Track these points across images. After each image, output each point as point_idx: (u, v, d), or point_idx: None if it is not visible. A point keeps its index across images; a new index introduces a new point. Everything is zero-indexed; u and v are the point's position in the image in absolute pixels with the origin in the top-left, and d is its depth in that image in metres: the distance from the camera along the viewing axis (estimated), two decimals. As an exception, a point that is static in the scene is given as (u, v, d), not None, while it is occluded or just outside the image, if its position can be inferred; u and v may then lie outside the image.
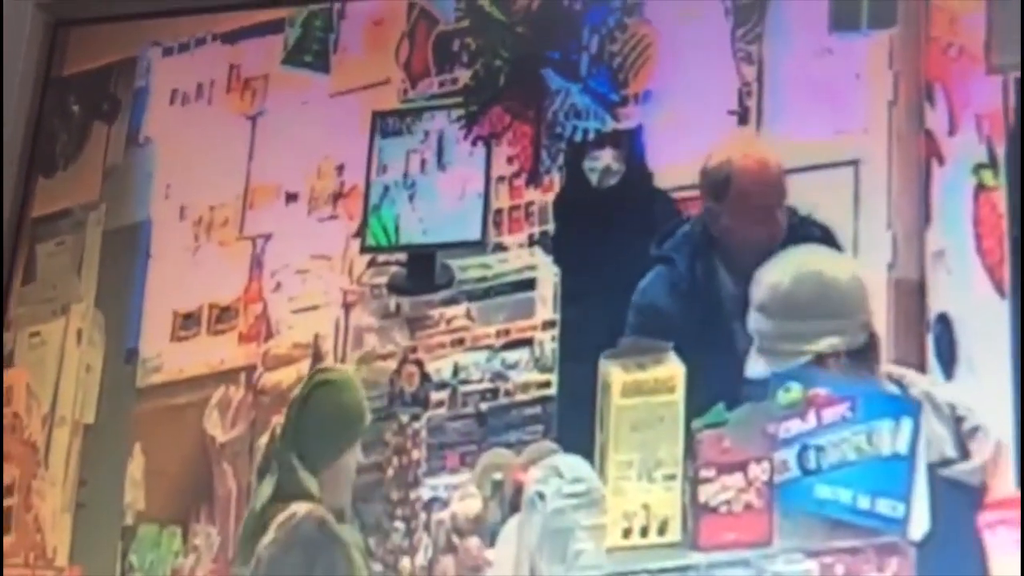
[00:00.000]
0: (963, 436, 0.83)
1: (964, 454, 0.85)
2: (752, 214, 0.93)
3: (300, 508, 0.97)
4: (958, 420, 0.85)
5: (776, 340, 0.88)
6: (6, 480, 1.16)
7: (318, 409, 1.03)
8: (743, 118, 0.99)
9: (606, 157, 0.99)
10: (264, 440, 1.05)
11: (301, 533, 0.97)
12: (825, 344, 0.87)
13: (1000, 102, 0.91)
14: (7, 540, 1.14)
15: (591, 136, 1.02)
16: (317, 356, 1.07)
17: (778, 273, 0.90)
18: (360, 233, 1.09)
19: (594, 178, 0.99)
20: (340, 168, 1.12)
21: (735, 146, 0.95)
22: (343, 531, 0.96)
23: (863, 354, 0.87)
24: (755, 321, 0.90)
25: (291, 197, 1.13)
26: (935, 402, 0.85)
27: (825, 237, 0.91)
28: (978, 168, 0.90)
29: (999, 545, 0.82)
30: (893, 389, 0.85)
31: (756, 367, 0.89)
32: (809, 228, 0.92)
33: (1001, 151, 0.90)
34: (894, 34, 0.95)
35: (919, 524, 0.84)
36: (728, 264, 0.93)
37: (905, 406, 0.86)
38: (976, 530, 0.82)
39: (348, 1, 1.15)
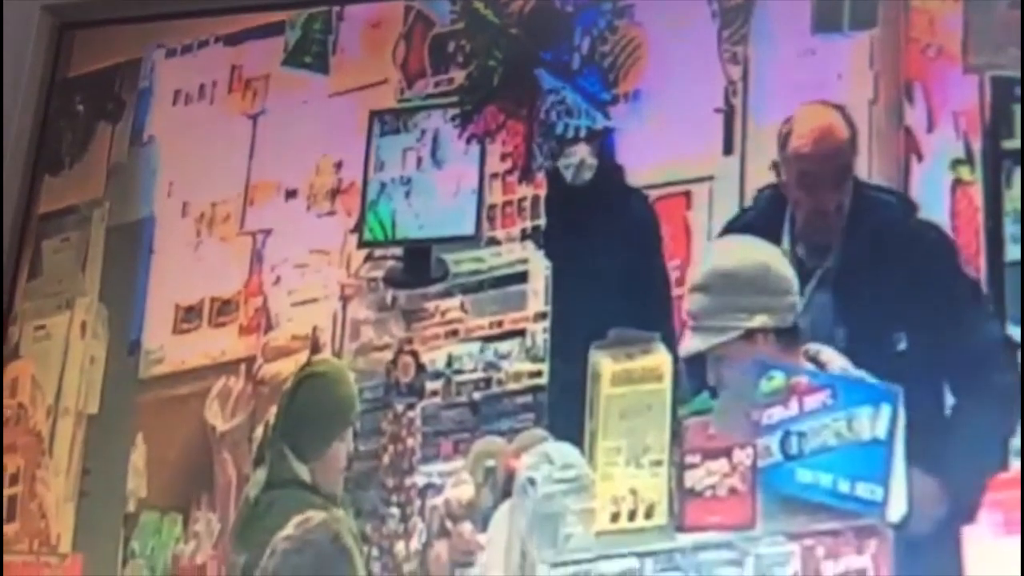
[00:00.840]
0: None
1: None
2: (806, 181, 0.93)
3: (316, 515, 0.99)
4: None
5: (711, 316, 0.91)
6: (12, 469, 1.18)
7: (307, 400, 1.05)
8: (729, 116, 1.02)
9: (581, 152, 1.01)
10: (260, 430, 1.08)
11: (313, 539, 0.99)
12: (757, 321, 0.90)
13: (976, 100, 0.93)
14: (12, 528, 1.16)
15: (583, 133, 1.05)
16: (315, 348, 1.09)
17: (719, 256, 0.93)
18: (358, 228, 1.11)
19: (569, 175, 1.01)
20: (338, 165, 1.14)
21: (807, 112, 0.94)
22: (348, 538, 0.99)
23: (789, 334, 0.89)
24: (692, 302, 0.92)
25: (291, 194, 1.15)
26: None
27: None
28: (955, 163, 0.92)
29: (976, 525, 0.84)
30: (859, 374, 0.87)
31: (689, 345, 0.91)
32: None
33: (977, 147, 0.92)
34: (874, 35, 0.97)
35: (897, 507, 0.86)
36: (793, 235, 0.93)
37: (884, 393, 0.88)
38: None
39: (347, 4, 1.18)
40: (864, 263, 0.90)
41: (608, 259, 1.01)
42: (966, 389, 0.87)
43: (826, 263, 0.93)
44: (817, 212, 0.93)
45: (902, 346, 0.89)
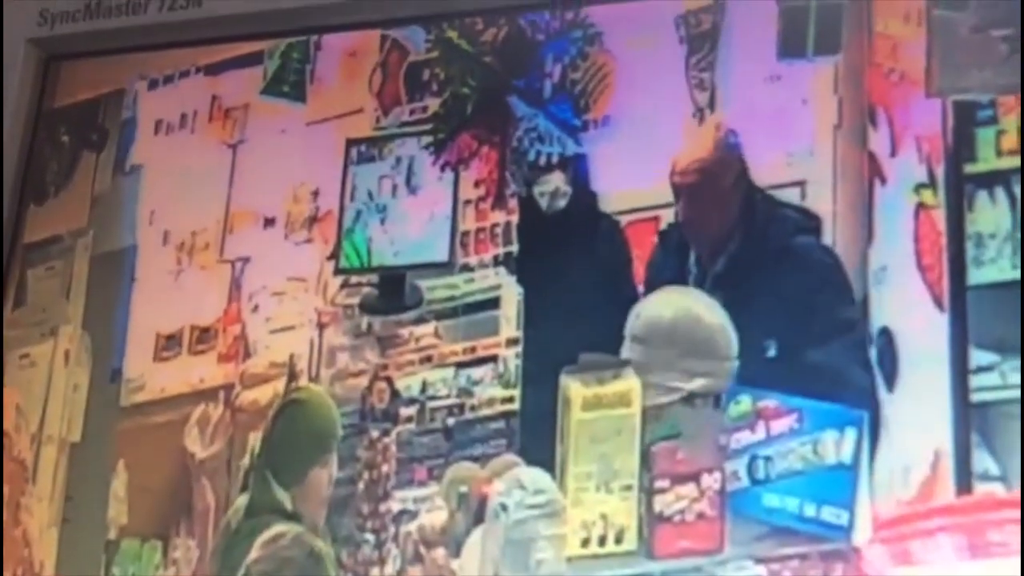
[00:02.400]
0: None
1: None
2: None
3: (290, 530, 0.99)
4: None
5: (652, 372, 0.91)
6: (-5, 497, 1.19)
7: (288, 427, 1.04)
8: (696, 142, 1.02)
9: (556, 179, 1.02)
10: (244, 457, 1.08)
11: (288, 556, 0.99)
12: (698, 384, 0.89)
13: (939, 124, 0.92)
14: (-4, 556, 1.17)
15: (554, 159, 1.05)
16: (292, 375, 1.09)
17: (659, 307, 0.92)
18: (334, 256, 1.11)
19: (544, 202, 1.01)
20: (315, 193, 1.14)
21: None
22: (326, 556, 0.98)
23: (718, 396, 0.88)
24: (632, 351, 0.92)
25: (268, 222, 1.15)
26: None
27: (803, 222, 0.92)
28: (918, 187, 0.92)
29: (938, 550, 0.84)
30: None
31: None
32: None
33: (940, 171, 0.92)
34: (839, 61, 0.97)
35: (863, 531, 0.86)
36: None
37: (849, 417, 0.88)
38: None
39: (324, 34, 1.18)
40: (750, 274, 0.90)
41: (580, 285, 1.01)
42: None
43: (715, 268, 0.93)
44: (696, 222, 0.93)
45: (772, 352, 0.88)
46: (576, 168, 1.01)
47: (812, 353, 0.87)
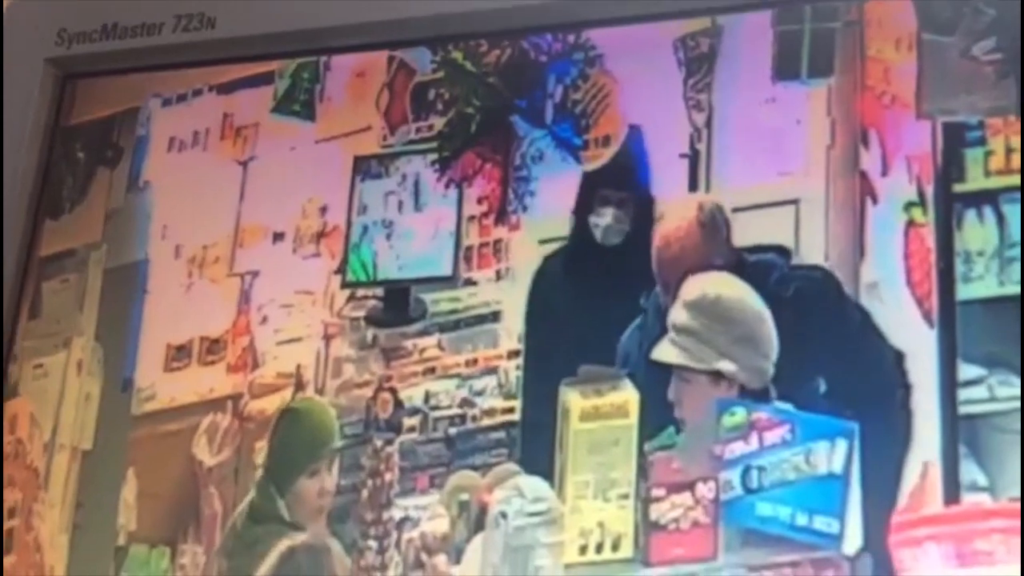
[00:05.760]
0: None
1: None
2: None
3: (297, 538, 1.01)
4: None
5: (692, 337, 0.92)
6: (10, 503, 1.20)
7: (282, 435, 1.06)
8: (694, 161, 1.05)
9: (610, 214, 1.01)
10: (252, 466, 1.10)
11: (297, 564, 1.00)
12: (725, 365, 0.91)
13: (929, 145, 0.94)
14: (9, 560, 1.17)
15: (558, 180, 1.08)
16: (299, 385, 1.11)
17: (712, 284, 0.94)
18: (341, 270, 1.13)
19: (599, 234, 1.00)
20: (323, 209, 1.16)
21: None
22: (334, 564, 0.99)
23: (755, 394, 0.90)
24: (678, 315, 0.93)
25: (278, 236, 1.17)
26: None
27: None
28: (908, 206, 0.94)
29: (926, 558, 0.85)
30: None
31: (662, 352, 0.92)
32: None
33: (929, 190, 0.93)
34: (832, 83, 0.99)
35: (853, 540, 0.87)
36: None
37: (840, 428, 0.90)
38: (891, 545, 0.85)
39: (333, 54, 1.21)
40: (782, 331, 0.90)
41: (582, 299, 1.03)
42: (879, 420, 0.88)
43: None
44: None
45: (823, 389, 0.90)
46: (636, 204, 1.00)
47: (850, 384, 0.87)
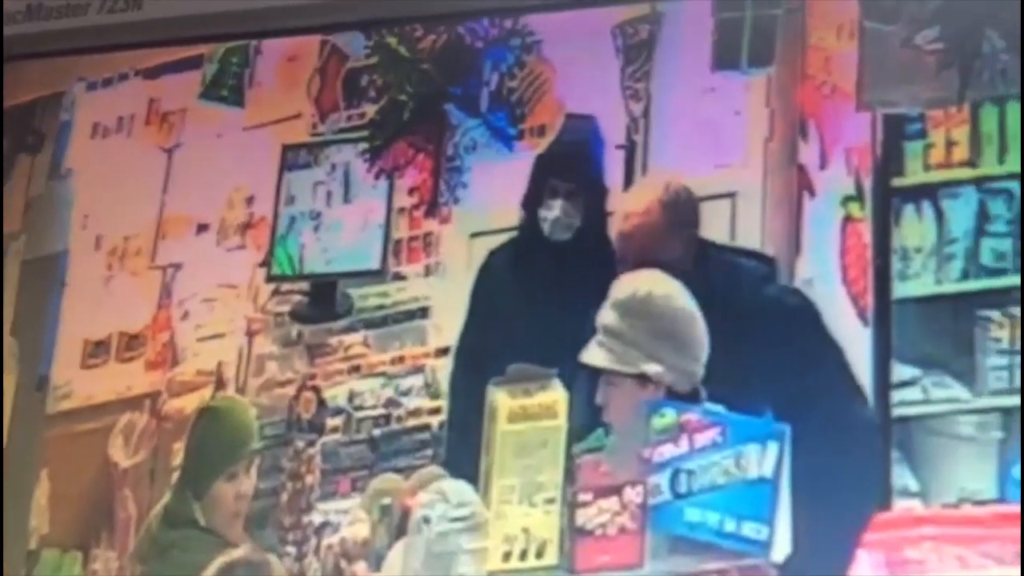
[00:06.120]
0: None
1: None
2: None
3: (234, 553, 0.98)
4: None
5: (619, 339, 0.90)
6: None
7: (199, 437, 1.03)
8: (630, 152, 1.02)
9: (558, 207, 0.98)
10: (169, 468, 1.06)
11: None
12: (652, 368, 0.89)
13: (868, 137, 0.93)
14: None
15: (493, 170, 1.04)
16: (220, 383, 1.08)
17: (642, 282, 0.92)
18: (266, 263, 1.10)
19: (547, 228, 0.97)
20: (250, 199, 1.12)
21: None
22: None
23: (684, 396, 0.88)
24: (606, 316, 0.91)
25: (202, 227, 1.14)
26: None
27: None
28: (846, 200, 0.92)
29: (856, 567, 0.82)
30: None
31: (591, 356, 0.90)
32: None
33: (868, 184, 0.92)
34: (772, 73, 0.97)
35: (781, 547, 0.85)
36: None
37: (772, 430, 0.87)
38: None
39: (265, 38, 1.17)
40: (726, 334, 0.89)
41: (515, 294, 1.00)
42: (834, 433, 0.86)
43: None
44: None
45: (755, 390, 0.88)
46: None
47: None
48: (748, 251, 0.93)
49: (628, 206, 0.96)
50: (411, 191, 1.07)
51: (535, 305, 0.98)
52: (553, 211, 1.00)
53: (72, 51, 1.25)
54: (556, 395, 0.94)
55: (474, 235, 1.04)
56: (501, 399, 0.95)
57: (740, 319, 0.90)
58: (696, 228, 0.94)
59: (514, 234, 1.02)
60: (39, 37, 1.26)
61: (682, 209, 0.94)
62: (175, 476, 1.04)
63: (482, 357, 1.00)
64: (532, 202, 1.00)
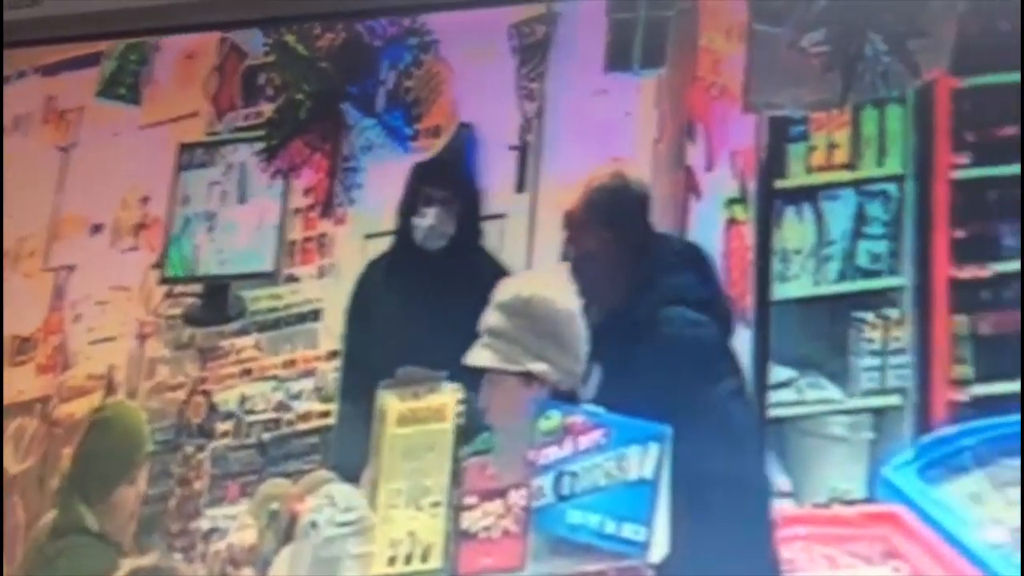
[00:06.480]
0: None
1: None
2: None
3: (143, 560, 0.96)
4: None
5: (503, 339, 0.90)
6: None
7: (95, 443, 1.03)
8: (523, 153, 1.02)
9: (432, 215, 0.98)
10: (56, 475, 1.05)
11: None
12: (536, 366, 0.89)
13: (753, 139, 0.94)
14: None
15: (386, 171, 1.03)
16: (110, 387, 1.07)
17: (525, 285, 0.93)
18: (160, 264, 1.09)
19: (419, 236, 0.97)
20: (145, 200, 1.12)
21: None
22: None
23: (567, 395, 0.89)
24: (490, 317, 0.91)
25: (96, 228, 1.13)
26: None
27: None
28: (730, 202, 0.93)
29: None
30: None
31: (476, 357, 0.90)
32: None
33: (752, 186, 0.93)
34: (663, 74, 0.98)
35: (659, 548, 0.86)
36: None
37: (654, 431, 0.88)
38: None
39: (164, 35, 1.16)
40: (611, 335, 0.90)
41: (395, 302, 1.00)
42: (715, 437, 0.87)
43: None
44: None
45: (637, 391, 0.88)
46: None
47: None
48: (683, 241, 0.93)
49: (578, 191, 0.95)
50: (307, 191, 1.07)
51: (417, 311, 0.98)
52: (426, 219, 1.00)
53: (-32, 47, 1.23)
54: (444, 398, 0.94)
55: (369, 236, 1.04)
56: (391, 402, 0.95)
57: (624, 320, 0.91)
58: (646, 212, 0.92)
59: (390, 242, 1.02)
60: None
61: (625, 189, 0.93)
62: (63, 483, 1.03)
63: (371, 361, 1.00)
64: (407, 210, 1.01)
